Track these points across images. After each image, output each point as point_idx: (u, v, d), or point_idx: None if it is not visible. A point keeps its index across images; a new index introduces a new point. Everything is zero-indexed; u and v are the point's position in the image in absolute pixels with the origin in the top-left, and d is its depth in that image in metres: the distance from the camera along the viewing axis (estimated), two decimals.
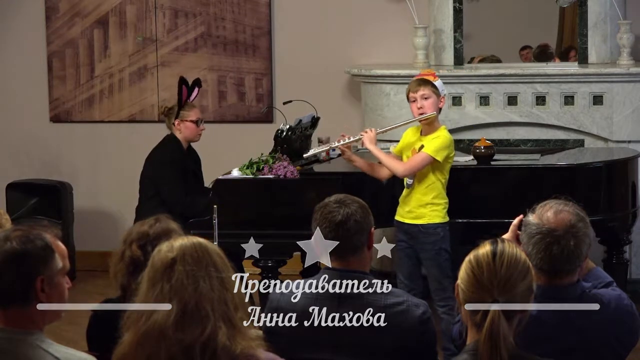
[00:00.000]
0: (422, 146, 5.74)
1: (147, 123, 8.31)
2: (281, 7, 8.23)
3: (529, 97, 7.45)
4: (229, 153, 7.66)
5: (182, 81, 6.72)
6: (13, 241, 2.86)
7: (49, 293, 2.87)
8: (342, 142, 5.91)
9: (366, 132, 5.87)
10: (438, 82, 5.80)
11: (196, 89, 6.84)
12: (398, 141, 6.12)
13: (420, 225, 5.76)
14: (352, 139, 5.94)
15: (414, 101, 5.77)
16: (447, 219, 5.81)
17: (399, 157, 5.89)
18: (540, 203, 3.30)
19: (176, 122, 6.68)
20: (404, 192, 5.85)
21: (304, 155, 6.36)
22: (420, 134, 5.83)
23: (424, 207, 5.75)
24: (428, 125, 5.79)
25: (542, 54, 8.03)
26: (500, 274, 2.83)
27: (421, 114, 5.74)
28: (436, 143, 5.70)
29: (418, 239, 5.77)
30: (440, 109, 5.84)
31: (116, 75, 8.44)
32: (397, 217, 5.88)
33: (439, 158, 5.68)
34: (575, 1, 7.69)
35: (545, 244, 3.19)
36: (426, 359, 3.59)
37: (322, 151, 6.24)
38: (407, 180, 5.82)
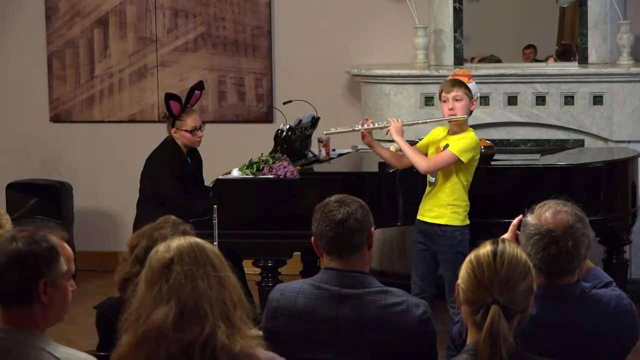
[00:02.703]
0: (447, 145, 5.70)
1: (147, 123, 8.31)
2: (281, 7, 8.23)
3: (529, 97, 7.45)
4: (229, 153, 7.66)
5: (168, 97, 6.69)
6: (18, 242, 2.85)
7: (51, 295, 2.87)
8: (366, 127, 5.86)
9: (393, 121, 5.81)
10: (472, 85, 5.75)
11: (197, 93, 6.80)
12: (412, 141, 6.09)
13: (438, 226, 5.72)
14: (377, 125, 5.89)
15: (445, 101, 5.73)
16: (466, 221, 5.76)
17: (423, 152, 5.85)
18: (539, 203, 3.30)
19: (173, 130, 6.71)
20: (427, 189, 5.81)
21: (325, 133, 6.26)
22: (448, 133, 5.79)
23: (444, 207, 5.72)
24: (457, 126, 5.74)
25: (565, 53, 8.00)
26: (500, 273, 2.83)
27: (451, 115, 5.71)
28: (462, 144, 5.66)
29: (436, 240, 5.75)
30: (471, 112, 5.79)
31: (116, 75, 8.44)
32: (418, 216, 5.85)
33: (464, 159, 5.64)
34: (575, 1, 7.70)
35: (543, 244, 3.19)
36: (426, 359, 3.59)
37: (346, 132, 6.03)
38: (429, 178, 5.79)
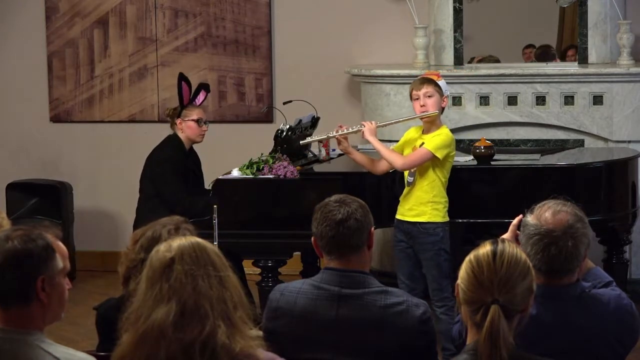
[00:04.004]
0: (423, 143, 5.76)
1: (147, 123, 8.31)
2: (281, 7, 8.23)
3: (529, 97, 7.45)
4: (229, 153, 7.66)
5: (182, 77, 6.71)
6: (14, 240, 2.85)
7: (49, 293, 2.87)
8: (340, 133, 5.93)
9: (367, 123, 5.88)
10: (442, 82, 5.85)
11: (203, 93, 6.83)
12: (396, 141, 6.13)
13: (420, 224, 5.77)
14: (351, 130, 5.94)
15: (417, 99, 5.80)
16: (447, 218, 5.82)
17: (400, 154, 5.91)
18: (539, 203, 3.30)
19: (178, 121, 6.68)
20: (405, 190, 5.86)
21: (301, 142, 6.34)
22: (422, 132, 5.85)
23: (424, 205, 5.76)
24: (430, 124, 5.82)
25: (545, 55, 8.04)
26: (500, 273, 2.83)
27: (423, 111, 5.76)
28: (437, 141, 5.73)
29: (417, 239, 5.78)
30: (442, 109, 5.87)
31: (116, 75, 8.45)
32: (397, 216, 5.89)
33: (439, 155, 5.70)
34: (575, 1, 7.70)
35: (543, 244, 3.19)
36: (426, 359, 3.59)
37: (320, 139, 6.19)
38: (407, 178, 5.83)
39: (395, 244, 5.94)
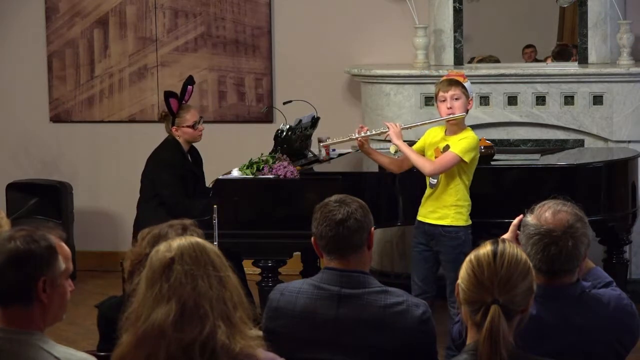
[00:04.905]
0: (447, 146, 5.69)
1: (147, 123, 8.31)
2: (281, 7, 8.23)
3: (529, 97, 7.45)
4: (229, 153, 7.66)
5: (168, 94, 6.70)
6: (17, 241, 2.85)
7: (50, 294, 2.87)
8: (362, 134, 5.86)
9: (391, 125, 5.79)
10: (467, 84, 5.76)
11: (189, 88, 6.81)
12: (412, 140, 6.08)
13: (442, 227, 5.71)
14: (374, 132, 5.89)
15: (444, 101, 5.72)
16: (469, 222, 5.75)
17: (420, 154, 5.85)
18: (539, 203, 3.30)
19: (174, 129, 6.70)
20: (427, 191, 5.79)
21: (321, 144, 6.31)
22: (445, 134, 5.78)
23: (448, 208, 5.71)
24: (455, 126, 5.73)
25: (563, 53, 8.02)
26: (500, 273, 2.83)
27: (450, 114, 5.72)
28: (464, 144, 5.65)
29: (439, 241, 5.73)
30: (467, 111, 5.79)
31: (116, 75, 8.45)
32: (418, 217, 5.83)
33: (467, 159, 5.64)
34: (575, 1, 7.70)
35: (543, 244, 3.19)
36: (426, 359, 3.59)
37: (342, 141, 6.02)
38: (430, 180, 5.77)
39: (414, 245, 5.88)
